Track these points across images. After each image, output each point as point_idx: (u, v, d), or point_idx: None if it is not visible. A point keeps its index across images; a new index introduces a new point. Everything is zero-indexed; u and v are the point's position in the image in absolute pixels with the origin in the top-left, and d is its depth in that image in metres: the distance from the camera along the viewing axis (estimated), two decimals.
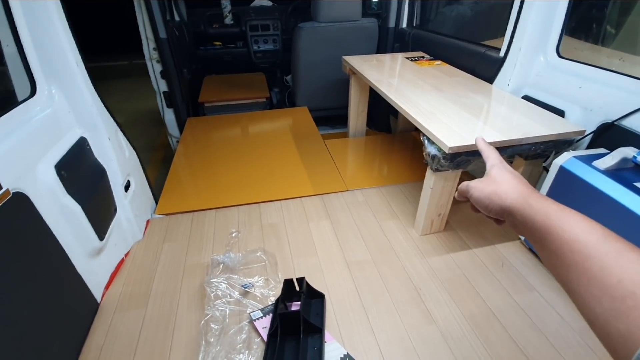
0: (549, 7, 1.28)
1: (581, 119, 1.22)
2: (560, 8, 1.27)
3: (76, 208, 1.01)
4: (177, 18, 2.60)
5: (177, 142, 2.56)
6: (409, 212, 1.51)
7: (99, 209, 1.13)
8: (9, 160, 0.81)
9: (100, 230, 1.12)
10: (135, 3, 2.02)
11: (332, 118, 2.72)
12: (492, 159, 0.48)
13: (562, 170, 1.08)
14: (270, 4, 3.20)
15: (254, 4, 3.19)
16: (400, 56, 2.02)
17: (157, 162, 2.88)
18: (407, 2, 2.27)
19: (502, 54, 1.50)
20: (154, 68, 2.23)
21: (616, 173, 1.00)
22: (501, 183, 0.42)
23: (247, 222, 1.47)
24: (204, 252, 1.32)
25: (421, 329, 1.04)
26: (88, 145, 1.14)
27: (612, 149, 1.05)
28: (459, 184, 1.27)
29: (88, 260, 1.08)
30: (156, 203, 1.59)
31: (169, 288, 1.17)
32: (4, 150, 0.82)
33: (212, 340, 0.97)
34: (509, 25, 1.43)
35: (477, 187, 0.44)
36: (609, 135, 1.14)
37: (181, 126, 2.43)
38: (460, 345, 0.99)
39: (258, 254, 1.23)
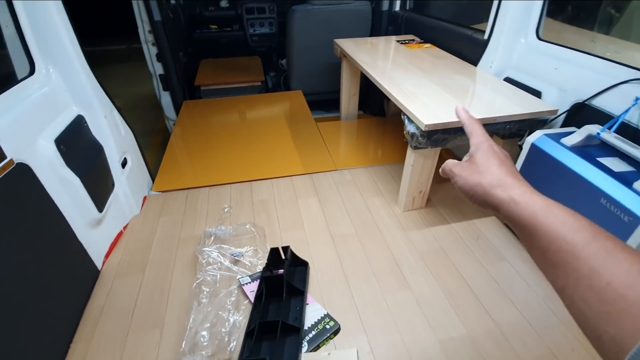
0: None
1: (556, 100, 1.27)
2: None
3: (75, 180, 1.08)
4: (172, 1, 2.62)
5: (174, 124, 2.62)
6: (394, 190, 1.58)
7: (97, 182, 1.20)
8: (11, 132, 0.88)
9: (99, 202, 1.20)
10: None
11: (326, 102, 2.76)
12: (476, 135, 0.43)
13: (533, 147, 1.14)
14: None
15: None
16: (391, 39, 2.05)
17: (156, 145, 2.94)
18: None
19: (486, 36, 1.54)
20: (150, 51, 2.27)
21: (582, 149, 1.06)
22: (485, 173, 0.39)
23: (239, 198, 1.54)
24: (198, 225, 1.40)
25: (396, 294, 1.12)
26: (85, 122, 1.21)
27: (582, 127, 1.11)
28: (438, 161, 1.34)
29: (88, 230, 1.16)
30: (153, 181, 1.66)
31: (165, 257, 1.26)
32: (6, 123, 0.88)
33: (204, 301, 1.05)
34: (492, 8, 1.47)
35: (461, 176, 0.41)
36: (581, 114, 1.19)
37: (178, 109, 2.48)
38: (431, 309, 1.07)
39: (247, 227, 1.31)
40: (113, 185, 1.32)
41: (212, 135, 2.06)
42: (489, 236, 1.33)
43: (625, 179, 0.91)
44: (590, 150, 1.05)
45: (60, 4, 1.08)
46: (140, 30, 2.19)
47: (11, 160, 0.85)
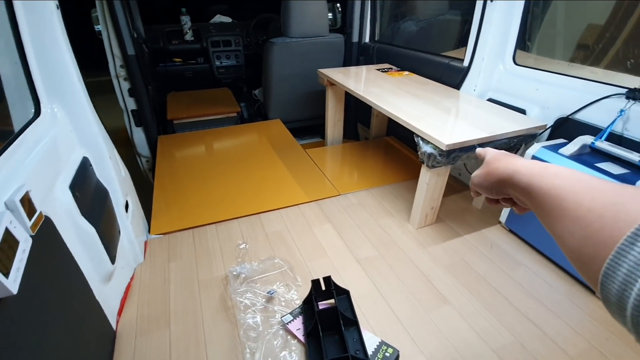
0: (505, 24, 1.52)
1: (540, 116, 1.45)
2: (514, 23, 1.50)
3: (91, 230, 0.96)
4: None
5: (147, 161, 2.45)
6: (401, 209, 1.64)
7: (107, 231, 1.07)
8: (35, 183, 0.77)
9: (111, 253, 1.06)
10: (100, 18, 1.93)
11: (306, 129, 2.80)
12: (489, 152, 0.50)
13: (534, 159, 1.28)
14: (229, 20, 3.23)
15: (213, 20, 3.19)
16: (372, 68, 2.18)
17: None
18: (368, 19, 2.47)
19: (465, 63, 1.71)
20: (121, 85, 2.13)
21: (578, 157, 1.21)
22: (493, 162, 0.46)
23: (252, 233, 1.47)
24: (215, 266, 1.30)
25: (439, 310, 1.14)
26: (90, 165, 1.09)
27: (568, 138, 1.27)
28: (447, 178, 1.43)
29: (103, 286, 1.02)
30: (148, 223, 1.52)
31: (188, 305, 1.14)
32: (28, 172, 0.77)
33: (254, 347, 0.97)
34: (470, 39, 1.65)
35: (477, 175, 0.49)
36: (565, 127, 1.37)
37: (151, 145, 2.33)
38: (475, 320, 1.11)
39: (276, 261, 1.25)
40: (119, 232, 1.19)
41: (201, 169, 1.96)
42: (500, 244, 1.43)
43: (626, 180, 1.06)
44: (585, 157, 1.21)
45: (66, 35, 0.98)
46: (110, 65, 2.06)
47: (40, 213, 0.73)
